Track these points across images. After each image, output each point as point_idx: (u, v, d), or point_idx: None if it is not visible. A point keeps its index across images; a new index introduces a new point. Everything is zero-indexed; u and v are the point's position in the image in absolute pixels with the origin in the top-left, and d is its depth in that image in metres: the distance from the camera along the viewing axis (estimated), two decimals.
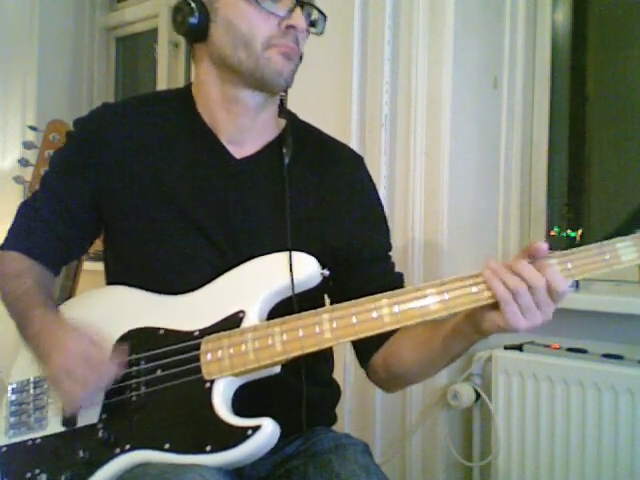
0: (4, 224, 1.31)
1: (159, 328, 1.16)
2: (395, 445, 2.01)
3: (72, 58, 3.19)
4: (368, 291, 1.10)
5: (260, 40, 1.17)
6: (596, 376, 1.65)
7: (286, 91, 1.26)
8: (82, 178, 1.26)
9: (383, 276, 1.29)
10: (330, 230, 1.27)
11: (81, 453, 1.11)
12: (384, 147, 2.00)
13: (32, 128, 2.21)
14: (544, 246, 1.03)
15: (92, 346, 1.10)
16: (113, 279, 1.31)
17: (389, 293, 1.08)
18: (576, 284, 1.80)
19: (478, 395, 1.89)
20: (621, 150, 2.07)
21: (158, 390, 1.11)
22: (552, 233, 1.81)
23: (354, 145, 2.02)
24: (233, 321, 1.13)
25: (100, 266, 1.35)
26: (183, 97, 1.30)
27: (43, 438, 1.16)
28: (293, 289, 1.14)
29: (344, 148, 1.39)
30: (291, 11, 1.18)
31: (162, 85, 3.00)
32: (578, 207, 2.15)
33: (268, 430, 1.03)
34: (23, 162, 2.10)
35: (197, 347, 1.11)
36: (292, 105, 1.33)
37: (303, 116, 1.38)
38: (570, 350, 1.75)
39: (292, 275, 1.14)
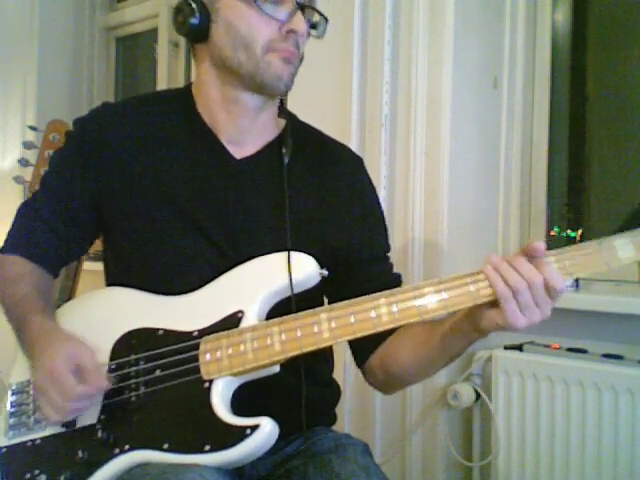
0: (4, 224, 1.31)
1: (158, 329, 1.16)
2: (395, 445, 2.01)
3: (72, 58, 3.19)
4: (366, 291, 1.10)
5: (260, 43, 1.17)
6: (596, 376, 1.65)
7: (286, 93, 1.26)
8: (82, 178, 1.26)
9: (382, 276, 1.29)
10: (330, 230, 1.27)
11: (80, 453, 1.11)
12: (384, 147, 2.00)
13: (32, 128, 2.21)
14: (542, 246, 1.02)
15: (83, 356, 1.10)
16: (113, 279, 1.31)
17: (387, 292, 1.08)
18: (576, 284, 1.80)
19: (478, 395, 1.89)
20: (621, 150, 2.07)
21: (157, 390, 1.11)
22: (552, 233, 1.81)
23: (354, 145, 2.02)
24: (232, 321, 1.13)
25: (100, 266, 1.35)
26: (183, 97, 1.30)
27: (43, 439, 1.16)
28: (292, 289, 1.14)
29: (344, 149, 1.39)
30: (292, 15, 1.18)
31: (162, 85, 3.00)
32: (578, 207, 2.15)
33: (267, 429, 1.03)
34: (23, 162, 2.10)
35: (196, 347, 1.11)
36: (292, 105, 1.33)
37: (303, 116, 1.38)
38: (570, 350, 1.75)
39: (291, 275, 1.14)
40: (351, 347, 1.29)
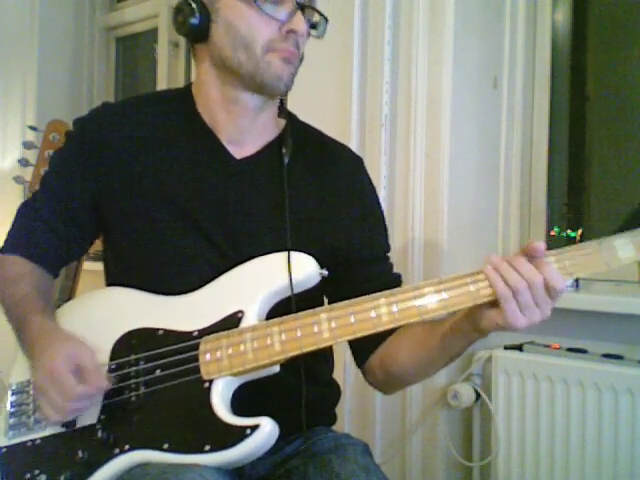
0: (4, 224, 1.31)
1: (158, 329, 1.16)
2: (395, 445, 2.01)
3: (72, 58, 3.19)
4: (367, 291, 1.10)
5: (260, 44, 1.17)
6: (596, 376, 1.65)
7: (286, 93, 1.26)
8: (82, 178, 1.26)
9: (382, 276, 1.29)
10: (329, 230, 1.27)
11: (80, 453, 1.11)
12: (384, 147, 2.00)
13: (32, 128, 2.21)
14: (542, 245, 1.02)
15: (84, 356, 1.10)
16: (113, 280, 1.31)
17: (387, 292, 1.08)
18: (576, 284, 1.80)
19: (478, 395, 1.89)
20: (621, 150, 2.07)
21: (157, 390, 1.11)
22: (552, 233, 1.81)
23: (354, 145, 2.02)
24: (232, 321, 1.13)
25: (100, 266, 1.35)
26: (183, 97, 1.30)
27: (43, 439, 1.16)
28: (292, 289, 1.14)
29: (344, 149, 1.39)
30: (292, 15, 1.18)
31: (162, 85, 3.00)
32: (578, 207, 2.15)
33: (267, 429, 1.03)
34: (23, 162, 2.10)
35: (196, 347, 1.11)
36: (292, 105, 1.33)
37: (303, 116, 1.38)
38: (570, 350, 1.75)
39: (291, 275, 1.14)
40: (351, 347, 1.29)
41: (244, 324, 1.12)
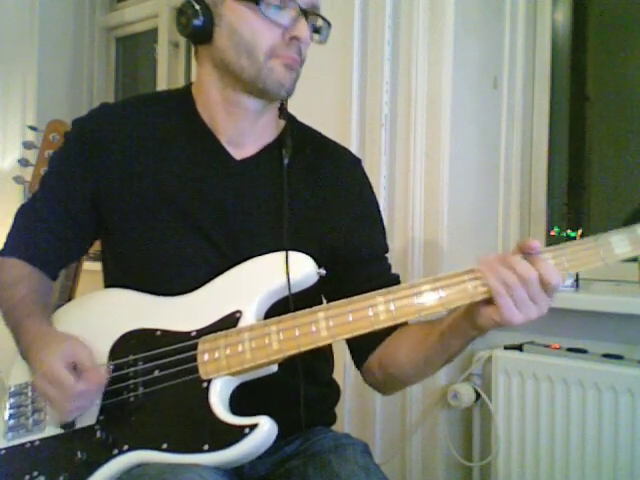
0: (4, 224, 1.31)
1: (156, 329, 1.16)
2: (395, 445, 2.01)
3: (72, 58, 3.19)
4: (365, 291, 1.10)
5: (263, 49, 1.17)
6: (596, 376, 1.65)
7: (287, 98, 1.26)
8: (82, 178, 1.25)
9: (380, 277, 1.29)
10: (328, 230, 1.27)
11: (79, 454, 1.10)
12: (384, 147, 2.00)
13: (32, 128, 2.21)
14: (537, 244, 1.03)
15: (81, 354, 1.10)
16: (111, 281, 1.31)
17: (384, 290, 1.08)
18: (576, 284, 1.80)
19: (478, 395, 1.89)
20: (621, 150, 2.07)
21: (156, 390, 1.11)
22: (552, 233, 1.81)
23: (354, 145, 2.02)
24: (230, 321, 1.13)
25: (100, 266, 1.35)
26: (183, 97, 1.30)
27: (41, 440, 1.16)
28: (290, 289, 1.14)
29: (343, 150, 1.39)
30: (296, 21, 1.17)
31: (162, 85, 3.00)
32: (578, 207, 2.15)
33: (265, 428, 1.03)
34: (23, 162, 2.10)
35: (194, 347, 1.11)
36: (292, 105, 1.33)
37: (303, 116, 1.38)
38: (570, 350, 1.75)
39: (288, 275, 1.14)
40: (350, 347, 1.29)
41: (242, 324, 1.12)
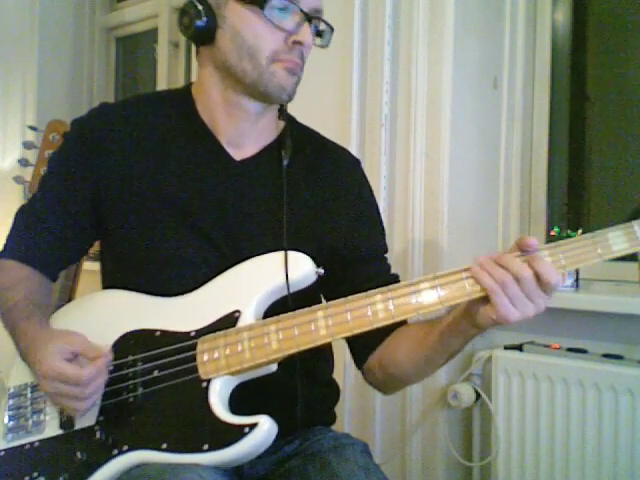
0: (4, 224, 1.31)
1: (155, 330, 1.16)
2: (395, 445, 2.01)
3: (72, 58, 3.19)
4: (364, 291, 1.10)
5: (266, 53, 1.17)
6: (596, 376, 1.65)
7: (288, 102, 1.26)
8: (81, 179, 1.25)
9: (379, 277, 1.28)
10: (328, 230, 1.27)
11: (79, 455, 1.11)
12: (384, 147, 2.00)
13: (32, 128, 2.21)
14: (534, 241, 1.04)
15: (75, 342, 1.11)
16: (110, 281, 1.30)
17: (383, 289, 1.08)
18: (576, 284, 1.80)
19: (478, 395, 1.89)
20: (621, 150, 2.07)
21: (155, 391, 1.11)
22: (552, 233, 1.81)
23: (354, 145, 2.02)
24: (229, 321, 1.13)
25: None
26: (183, 97, 1.30)
27: (41, 441, 1.16)
28: (288, 288, 1.14)
29: (342, 151, 1.39)
30: (299, 26, 1.17)
31: (162, 85, 3.00)
32: (578, 207, 2.15)
33: (265, 428, 1.03)
34: (23, 162, 2.10)
35: (193, 347, 1.12)
36: (292, 105, 1.33)
37: (303, 116, 1.38)
38: (570, 350, 1.75)
39: (287, 274, 1.14)
40: (350, 347, 1.30)
41: (241, 323, 1.12)
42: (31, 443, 1.16)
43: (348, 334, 1.08)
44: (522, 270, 1.01)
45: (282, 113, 1.31)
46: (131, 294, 1.22)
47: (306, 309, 1.10)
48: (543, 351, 1.78)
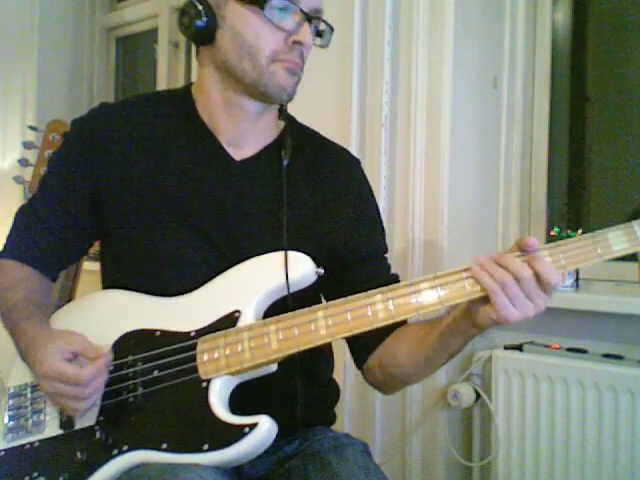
0: (4, 224, 1.31)
1: (155, 330, 1.16)
2: (395, 445, 2.01)
3: (72, 58, 3.19)
4: (364, 291, 1.10)
5: (266, 53, 1.17)
6: (596, 376, 1.65)
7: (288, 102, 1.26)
8: (81, 179, 1.25)
9: (379, 277, 1.28)
10: (328, 230, 1.27)
11: (79, 455, 1.11)
12: (384, 147, 2.00)
13: (32, 128, 2.21)
14: (534, 241, 1.04)
15: (75, 342, 1.11)
16: (109, 281, 1.30)
17: (383, 289, 1.08)
18: (576, 284, 1.80)
19: (478, 395, 1.89)
20: (621, 150, 2.07)
21: (155, 391, 1.11)
22: (552, 233, 1.81)
23: (354, 145, 2.02)
24: (229, 321, 1.13)
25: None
26: (183, 97, 1.30)
27: (41, 441, 1.16)
28: (288, 288, 1.14)
29: (342, 151, 1.39)
30: (299, 26, 1.17)
31: (162, 85, 3.00)
32: (578, 207, 2.15)
33: (265, 427, 1.03)
34: (23, 162, 2.10)
35: (193, 347, 1.12)
36: (292, 105, 1.33)
37: (303, 116, 1.38)
38: (570, 350, 1.75)
39: (287, 274, 1.14)
40: (350, 347, 1.30)
41: (241, 323, 1.12)
42: (31, 443, 1.16)
43: (348, 334, 1.08)
44: (522, 270, 1.01)
45: (282, 113, 1.31)
46: (131, 294, 1.22)
47: (306, 309, 1.10)
48: (543, 351, 1.78)
